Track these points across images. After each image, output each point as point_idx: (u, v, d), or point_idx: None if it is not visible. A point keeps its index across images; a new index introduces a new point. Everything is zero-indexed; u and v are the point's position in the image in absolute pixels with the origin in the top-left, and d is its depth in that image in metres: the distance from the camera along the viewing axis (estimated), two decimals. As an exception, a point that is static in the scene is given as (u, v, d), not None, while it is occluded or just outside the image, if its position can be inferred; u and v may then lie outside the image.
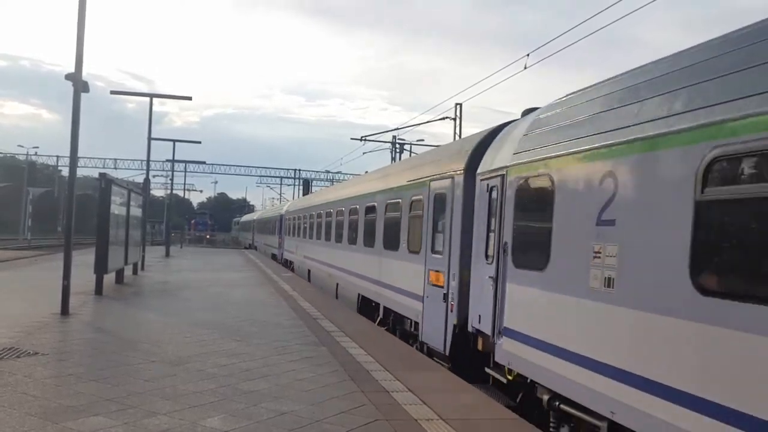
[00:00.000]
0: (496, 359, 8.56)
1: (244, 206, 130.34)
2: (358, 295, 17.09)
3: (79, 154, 14.20)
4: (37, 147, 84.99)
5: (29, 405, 6.67)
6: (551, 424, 7.35)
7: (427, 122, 46.84)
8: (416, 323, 12.03)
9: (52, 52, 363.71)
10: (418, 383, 8.30)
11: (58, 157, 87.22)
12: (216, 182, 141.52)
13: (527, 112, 9.62)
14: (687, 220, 5.06)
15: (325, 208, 23.69)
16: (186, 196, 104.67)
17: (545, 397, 7.29)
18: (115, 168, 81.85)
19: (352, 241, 18.20)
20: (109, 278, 18.42)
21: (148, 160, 32.40)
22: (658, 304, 5.38)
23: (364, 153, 64.05)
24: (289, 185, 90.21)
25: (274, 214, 48.47)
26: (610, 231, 6.13)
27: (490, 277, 8.82)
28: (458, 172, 10.53)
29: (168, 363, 8.93)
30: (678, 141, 5.31)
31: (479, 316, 9.25)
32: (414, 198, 12.74)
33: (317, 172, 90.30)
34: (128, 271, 22.27)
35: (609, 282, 6.08)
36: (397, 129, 44.82)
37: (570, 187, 6.99)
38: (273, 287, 21.31)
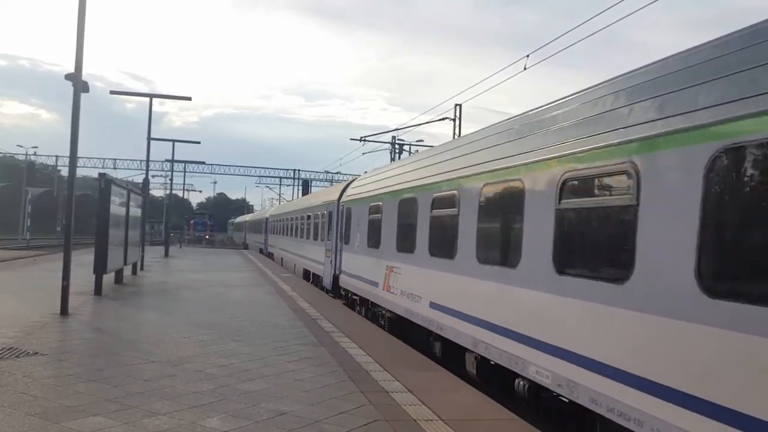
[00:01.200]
0: (340, 284, 19.14)
1: (244, 206, 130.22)
2: (303, 269, 28.22)
3: (79, 154, 14.19)
4: (36, 147, 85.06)
5: (29, 405, 6.68)
6: (356, 308, 17.26)
7: (427, 123, 46.84)
8: (321, 277, 22.82)
9: (51, 51, 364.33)
10: (417, 383, 8.31)
11: (57, 156, 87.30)
12: (215, 182, 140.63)
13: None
14: (366, 224, 15.95)
15: (289, 215, 35.36)
16: (185, 197, 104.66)
17: (349, 295, 18.10)
18: (115, 168, 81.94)
19: (300, 236, 29.81)
20: (109, 278, 18.42)
21: (148, 160, 32.39)
22: (368, 253, 15.51)
23: (363, 153, 64.09)
24: (288, 185, 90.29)
25: (261, 217, 60.22)
26: (361, 227, 16.38)
27: (339, 250, 19.48)
28: (335, 200, 20.83)
29: (167, 363, 8.94)
30: (373, 200, 15.53)
31: (339, 267, 19.40)
32: (323, 212, 23.27)
33: (316, 172, 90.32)
34: (127, 271, 22.27)
35: (360, 246, 16.40)
36: (397, 129, 44.70)
37: (355, 211, 17.39)
38: (272, 287, 21.32)
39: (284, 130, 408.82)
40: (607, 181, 6.61)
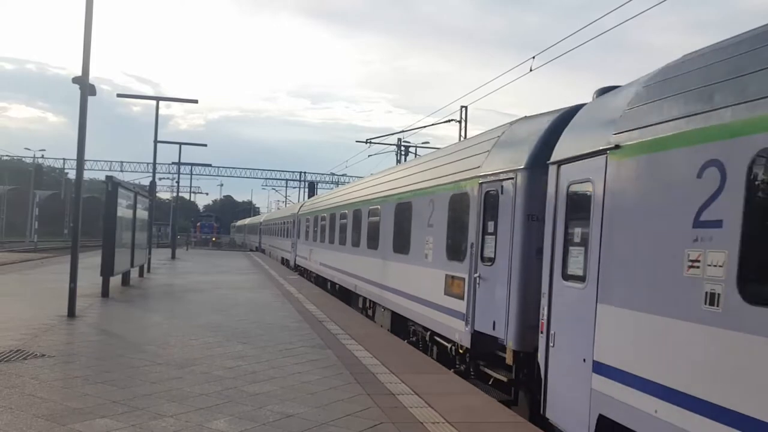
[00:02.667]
0: (297, 263, 33.19)
1: (250, 209, 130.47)
2: (281, 257, 41.48)
3: (86, 157, 14.24)
4: (44, 150, 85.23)
5: (36, 407, 6.70)
6: (304, 275, 29.47)
7: (432, 125, 46.96)
8: (288, 260, 37.16)
9: (58, 55, 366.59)
10: (423, 386, 8.30)
11: (64, 159, 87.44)
12: (222, 185, 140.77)
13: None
14: (304, 227, 31.60)
15: (274, 221, 51.84)
16: (192, 199, 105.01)
17: (300, 268, 31.95)
18: (122, 171, 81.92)
19: (279, 235, 44.50)
20: (116, 281, 18.48)
21: (155, 163, 32.51)
22: (306, 243, 29.87)
23: (369, 156, 63.97)
24: (294, 188, 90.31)
25: (256, 222, 77.32)
26: (303, 229, 31.23)
27: (296, 243, 33.84)
28: (296, 213, 34.88)
29: (174, 365, 8.95)
30: (307, 215, 31.65)
31: (296, 253, 33.60)
32: (290, 220, 37.29)
33: (322, 174, 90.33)
34: (134, 274, 22.33)
35: (303, 239, 31.03)
36: (403, 132, 44.61)
37: (303, 219, 31.63)
38: (278, 290, 21.33)
39: (290, 132, 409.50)
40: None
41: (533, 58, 17.13)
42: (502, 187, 8.77)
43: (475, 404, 7.66)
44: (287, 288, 22.12)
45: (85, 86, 13.56)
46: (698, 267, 4.62)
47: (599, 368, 5.73)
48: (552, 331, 6.76)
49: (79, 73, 13.61)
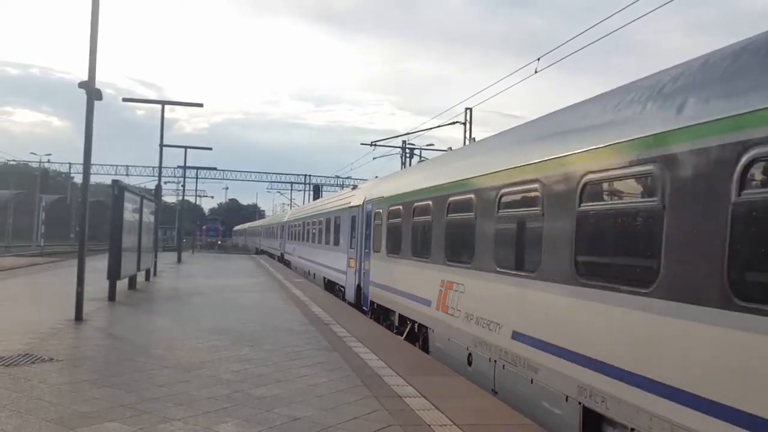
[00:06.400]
0: (260, 249, 73.16)
1: (255, 212, 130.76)
2: (254, 248, 79.91)
3: (92, 161, 14.29)
4: (50, 154, 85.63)
5: (45, 411, 6.72)
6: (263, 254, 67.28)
7: (437, 127, 47.05)
8: (256, 248, 79.12)
9: (62, 60, 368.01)
10: (430, 389, 8.29)
11: (70, 164, 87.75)
12: (227, 188, 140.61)
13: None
14: (260, 233, 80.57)
15: (252, 228, 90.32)
16: (197, 203, 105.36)
17: (260, 250, 72.88)
18: (127, 175, 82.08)
19: (255, 236, 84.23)
20: (122, 284, 18.52)
21: (160, 167, 32.59)
22: (267, 238, 67.50)
23: (374, 158, 63.83)
24: (299, 191, 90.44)
25: (245, 227, 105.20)
26: (262, 233, 73.85)
27: (261, 239, 75.23)
28: (261, 224, 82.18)
29: (181, 369, 8.96)
30: (265, 226, 77.31)
31: (261, 243, 73.46)
32: (258, 228, 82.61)
33: (327, 177, 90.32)
34: (141, 277, 22.37)
35: (264, 236, 70.30)
36: (408, 134, 44.67)
37: (263, 229, 72.76)
38: (284, 293, 21.35)
39: (294, 135, 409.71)
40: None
41: (538, 60, 17.15)
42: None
43: (482, 407, 7.64)
44: (293, 291, 22.14)
45: (91, 91, 13.60)
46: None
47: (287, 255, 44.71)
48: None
49: (83, 77, 13.67)
